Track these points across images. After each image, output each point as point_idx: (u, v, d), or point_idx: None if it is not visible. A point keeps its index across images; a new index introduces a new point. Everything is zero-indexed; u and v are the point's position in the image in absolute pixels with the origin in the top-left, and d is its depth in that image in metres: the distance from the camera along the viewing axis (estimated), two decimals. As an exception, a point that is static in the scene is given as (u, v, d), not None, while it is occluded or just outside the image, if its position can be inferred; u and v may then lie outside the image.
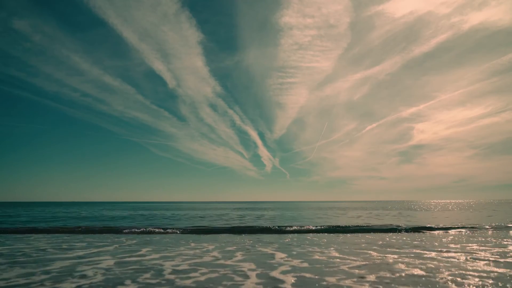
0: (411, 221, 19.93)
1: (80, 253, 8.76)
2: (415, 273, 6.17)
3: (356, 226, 16.60)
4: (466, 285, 5.25)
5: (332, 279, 5.73)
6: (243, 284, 5.45)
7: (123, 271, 6.47)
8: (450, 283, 5.41)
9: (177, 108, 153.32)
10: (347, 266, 6.87)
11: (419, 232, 14.47)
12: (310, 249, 9.28)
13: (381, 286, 5.27)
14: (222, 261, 7.50)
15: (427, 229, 15.30)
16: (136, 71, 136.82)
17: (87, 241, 11.31)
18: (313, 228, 15.55)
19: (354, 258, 7.75)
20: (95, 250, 9.19)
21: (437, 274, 6.02)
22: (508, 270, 6.35)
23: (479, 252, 8.51)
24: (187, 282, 5.63)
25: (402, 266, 6.78)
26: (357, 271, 6.39)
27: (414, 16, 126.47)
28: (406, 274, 6.05)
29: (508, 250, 8.79)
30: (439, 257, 7.83)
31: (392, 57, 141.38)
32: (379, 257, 7.87)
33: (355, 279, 5.72)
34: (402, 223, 18.12)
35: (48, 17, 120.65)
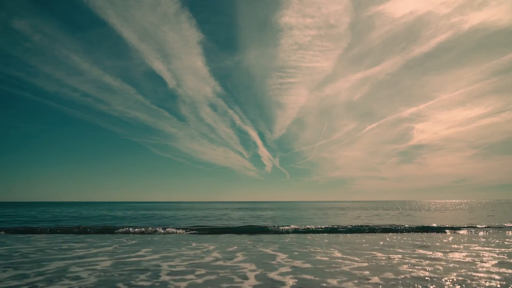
0: (412, 221, 19.76)
1: (79, 253, 8.60)
2: (420, 274, 5.99)
3: (357, 226, 16.42)
4: (474, 287, 5.08)
5: (334, 281, 5.56)
6: (242, 286, 5.28)
7: (119, 272, 6.29)
8: (456, 284, 5.23)
9: (177, 108, 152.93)
10: (350, 267, 6.69)
11: (421, 232, 14.30)
12: (312, 250, 9.11)
13: (385, 288, 5.09)
14: (222, 262, 7.33)
15: (428, 229, 15.13)
16: (136, 71, 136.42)
17: (88, 242, 11.15)
18: (314, 228, 15.39)
19: (357, 259, 7.58)
20: (95, 251, 9.03)
21: (442, 275, 5.84)
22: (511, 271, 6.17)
23: (483, 253, 8.34)
24: (183, 284, 5.45)
25: (406, 267, 6.60)
26: (360, 272, 6.21)
27: (414, 16, 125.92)
28: (411, 276, 5.87)
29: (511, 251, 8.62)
30: (443, 258, 7.65)
31: (392, 57, 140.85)
32: (382, 258, 7.69)
33: (359, 281, 5.54)
34: (403, 223, 17.95)
35: (48, 17, 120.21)
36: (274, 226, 15.92)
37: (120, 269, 6.54)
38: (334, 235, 13.25)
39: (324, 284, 5.37)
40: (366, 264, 7.01)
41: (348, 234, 13.47)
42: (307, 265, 6.90)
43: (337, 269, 6.47)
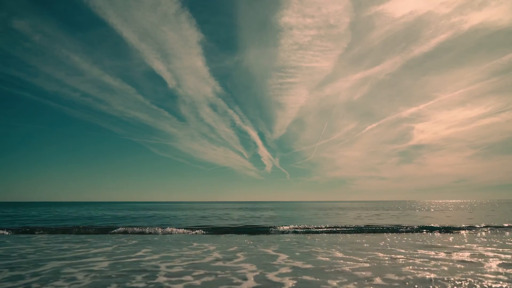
0: (412, 221, 19.64)
1: (78, 253, 8.49)
2: (424, 275, 5.86)
3: (357, 226, 16.30)
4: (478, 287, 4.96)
5: (335, 282, 5.44)
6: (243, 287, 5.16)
7: (115, 273, 6.17)
8: (464, 285, 5.11)
9: (177, 108, 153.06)
10: (352, 267, 6.57)
11: (421, 232, 14.18)
12: (313, 250, 8.99)
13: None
14: (222, 263, 7.21)
15: (428, 229, 15.01)
16: (136, 71, 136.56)
17: (88, 242, 11.05)
18: (315, 228, 15.27)
19: (359, 259, 7.45)
20: (94, 251, 8.92)
21: (448, 276, 5.71)
22: (521, 272, 6.05)
23: (486, 253, 8.21)
24: (178, 286, 5.32)
25: (409, 268, 6.48)
26: (362, 273, 6.09)
27: (414, 16, 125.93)
28: (414, 277, 5.75)
29: (518, 251, 8.49)
30: (447, 258, 7.53)
31: (392, 57, 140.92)
32: (384, 258, 7.57)
33: (361, 282, 5.42)
34: (403, 223, 17.82)
35: (48, 17, 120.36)
36: (274, 226, 15.81)
37: (117, 270, 6.43)
38: (334, 235, 13.13)
39: (325, 286, 5.24)
40: (368, 264, 6.89)
41: (348, 234, 13.35)
42: (308, 266, 6.78)
43: (339, 270, 6.35)
